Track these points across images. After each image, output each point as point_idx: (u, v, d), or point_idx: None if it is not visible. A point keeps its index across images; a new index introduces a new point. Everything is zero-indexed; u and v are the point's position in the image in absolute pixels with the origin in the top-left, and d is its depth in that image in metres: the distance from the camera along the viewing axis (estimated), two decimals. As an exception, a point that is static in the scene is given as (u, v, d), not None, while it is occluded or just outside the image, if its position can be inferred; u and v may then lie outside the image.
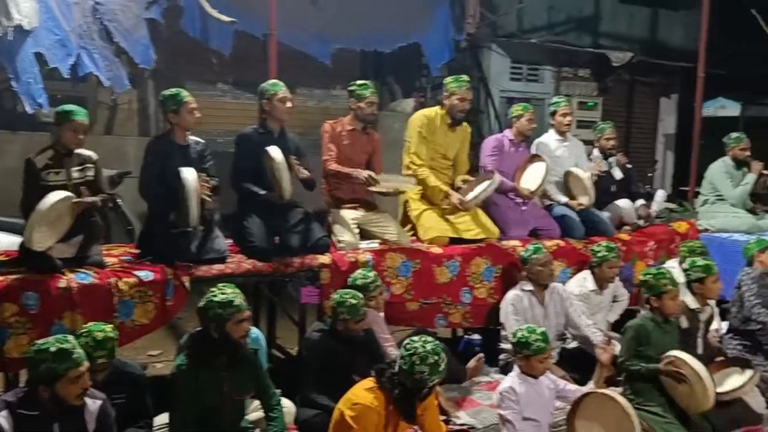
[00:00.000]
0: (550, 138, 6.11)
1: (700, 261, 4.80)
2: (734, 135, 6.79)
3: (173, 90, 4.55)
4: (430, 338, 3.44)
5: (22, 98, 6.92)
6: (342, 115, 5.41)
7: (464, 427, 4.28)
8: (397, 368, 3.39)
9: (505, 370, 4.61)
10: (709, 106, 10.02)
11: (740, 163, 6.71)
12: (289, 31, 7.44)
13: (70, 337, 3.17)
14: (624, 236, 6.07)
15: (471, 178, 5.59)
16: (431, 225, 5.37)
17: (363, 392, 3.40)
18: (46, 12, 6.84)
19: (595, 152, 6.49)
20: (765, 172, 6.80)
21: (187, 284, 4.34)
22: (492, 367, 5.04)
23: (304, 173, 4.80)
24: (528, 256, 5.03)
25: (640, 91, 11.83)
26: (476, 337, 5.75)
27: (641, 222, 6.38)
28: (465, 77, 5.65)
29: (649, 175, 11.37)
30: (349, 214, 5.24)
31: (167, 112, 4.54)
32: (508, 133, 5.89)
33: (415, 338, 3.42)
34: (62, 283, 4.00)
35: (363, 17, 8.65)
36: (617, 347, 4.81)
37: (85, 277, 4.10)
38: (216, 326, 3.53)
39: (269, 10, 6.44)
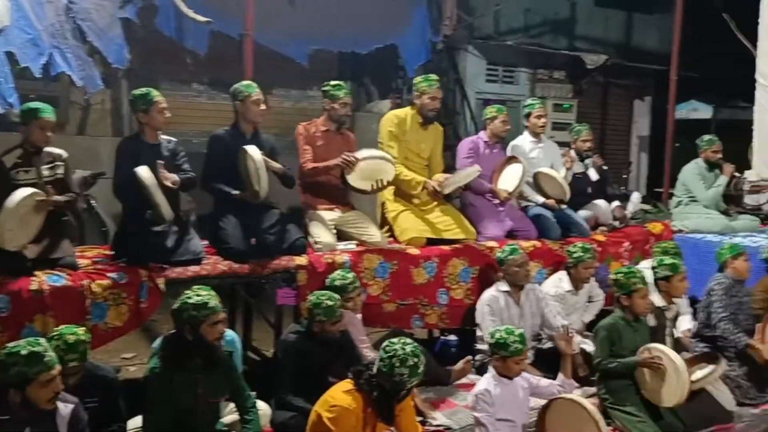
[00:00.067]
0: (524, 140, 6.14)
1: (666, 259, 4.89)
2: (707, 137, 6.88)
3: (143, 89, 4.51)
4: (409, 340, 3.44)
5: (-8, 98, 6.80)
6: (319, 116, 5.39)
7: (440, 428, 4.29)
8: (375, 370, 3.39)
9: (481, 371, 4.63)
10: (682, 108, 10.17)
11: (713, 165, 6.79)
12: (266, 31, 7.40)
13: (42, 340, 3.12)
14: (599, 237, 6.13)
15: (449, 175, 5.61)
16: (408, 226, 5.37)
17: (341, 394, 3.40)
18: (18, 11, 6.72)
19: (572, 154, 6.54)
20: (737, 174, 6.90)
21: (161, 286, 4.30)
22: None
23: (279, 166, 4.77)
24: (504, 257, 5.06)
25: (615, 93, 11.95)
26: (452, 338, 5.78)
27: (617, 223, 6.44)
28: (434, 76, 5.68)
29: (624, 176, 11.49)
30: (326, 215, 5.22)
31: (137, 112, 4.52)
32: (483, 135, 5.91)
33: (395, 340, 3.42)
34: (33, 285, 3.94)
35: (340, 18, 8.64)
36: (577, 338, 4.94)
37: (58, 279, 4.05)
38: (190, 328, 3.50)
39: (245, 11, 6.40)
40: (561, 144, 6.80)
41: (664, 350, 4.31)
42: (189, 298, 3.53)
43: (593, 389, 4.62)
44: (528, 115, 6.14)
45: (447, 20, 9.73)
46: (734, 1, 8.93)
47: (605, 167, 6.73)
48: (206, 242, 4.78)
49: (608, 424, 4.32)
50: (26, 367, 2.96)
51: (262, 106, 4.84)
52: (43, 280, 3.99)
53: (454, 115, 10.28)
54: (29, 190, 3.92)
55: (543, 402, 4.32)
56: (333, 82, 5.30)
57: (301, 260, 4.81)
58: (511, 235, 5.74)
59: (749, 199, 7.36)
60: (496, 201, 5.80)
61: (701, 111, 11.31)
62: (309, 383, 3.96)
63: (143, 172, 4.21)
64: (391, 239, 5.44)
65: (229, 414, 3.87)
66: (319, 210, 5.24)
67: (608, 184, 6.71)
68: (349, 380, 3.46)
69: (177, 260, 4.44)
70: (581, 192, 6.35)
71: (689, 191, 6.81)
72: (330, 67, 9.33)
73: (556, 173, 5.90)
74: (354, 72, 9.88)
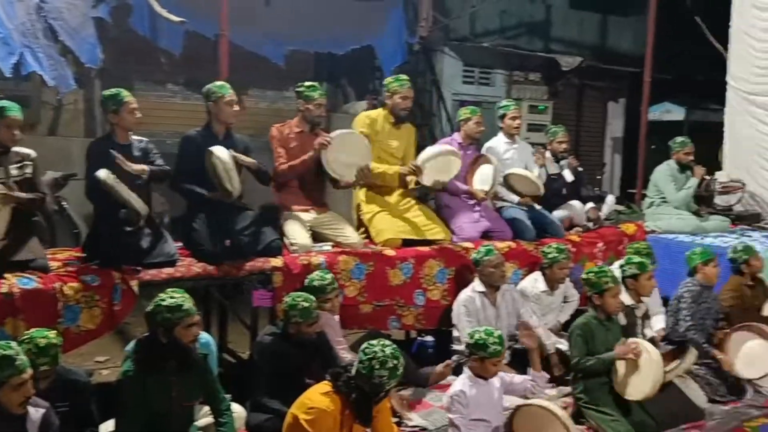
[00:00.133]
0: (499, 141, 6.17)
1: (634, 258, 4.97)
2: (679, 139, 6.96)
3: (113, 90, 4.47)
4: (388, 342, 3.45)
5: (-38, 97, 6.69)
6: (294, 118, 5.37)
7: (416, 429, 4.30)
8: (354, 372, 3.38)
9: (457, 371, 4.64)
10: (655, 110, 10.28)
11: (684, 167, 6.88)
12: (242, 31, 7.38)
13: (13, 344, 3.08)
14: (574, 238, 6.17)
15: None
16: (384, 227, 5.37)
17: (319, 396, 3.39)
18: (-13, 10, 6.65)
19: (547, 155, 6.59)
20: (707, 177, 6.98)
21: (135, 288, 4.26)
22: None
23: (252, 161, 4.75)
24: (480, 258, 5.08)
25: (589, 95, 12.06)
26: (429, 338, 5.79)
27: (591, 224, 6.49)
28: (404, 76, 5.71)
29: (598, 177, 11.59)
30: (302, 217, 5.21)
31: (107, 113, 4.47)
32: (457, 137, 5.93)
33: (374, 342, 3.42)
34: (4, 288, 3.88)
35: (316, 19, 8.63)
36: (553, 338, 5.06)
37: (28, 281, 3.99)
38: (164, 331, 3.47)
39: (220, 11, 6.37)
40: (537, 146, 6.85)
41: (641, 342, 4.41)
42: (162, 300, 3.50)
43: (568, 389, 4.66)
44: (503, 117, 6.16)
45: (423, 22, 9.76)
46: (706, 5, 9.06)
47: (580, 169, 6.79)
48: (180, 244, 4.74)
49: (582, 424, 4.38)
50: (-4, 371, 2.92)
51: (236, 107, 4.81)
52: (14, 282, 3.93)
53: (431, 117, 10.31)
54: None
55: (518, 402, 4.35)
56: (307, 83, 5.28)
57: (277, 262, 4.79)
58: (486, 236, 5.76)
59: (720, 200, 7.48)
60: (472, 202, 5.82)
61: (674, 113, 11.46)
62: (285, 385, 3.95)
63: (102, 174, 4.16)
64: (367, 240, 5.44)
65: (204, 417, 3.83)
66: (295, 211, 5.22)
67: (583, 186, 6.77)
68: (326, 382, 3.45)
69: (151, 262, 4.40)
70: (556, 193, 6.40)
71: (661, 192, 6.90)
72: (306, 68, 9.31)
73: (526, 171, 5.93)
74: (330, 73, 9.88)
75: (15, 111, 4.11)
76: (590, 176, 8.89)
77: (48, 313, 3.97)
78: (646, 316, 5.13)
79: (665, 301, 5.44)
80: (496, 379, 4.05)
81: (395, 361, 3.36)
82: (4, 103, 4.14)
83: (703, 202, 7.26)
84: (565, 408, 4.59)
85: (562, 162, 6.58)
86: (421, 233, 5.49)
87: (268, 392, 4.01)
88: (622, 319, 4.71)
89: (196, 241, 4.64)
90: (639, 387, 4.28)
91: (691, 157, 6.85)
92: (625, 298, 4.82)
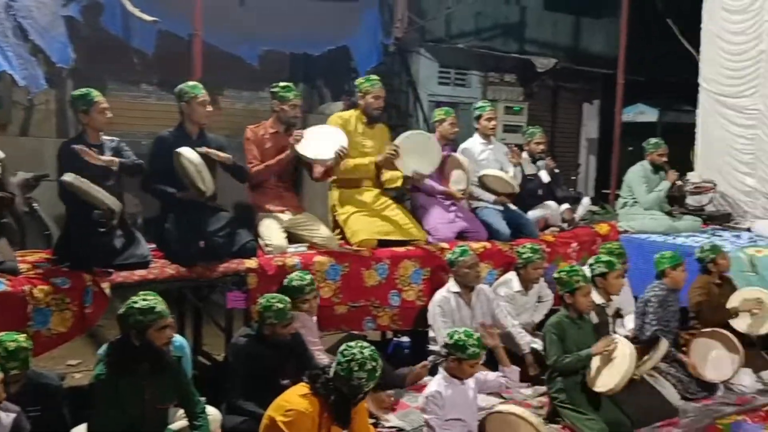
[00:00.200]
0: (474, 142, 6.19)
1: (603, 257, 5.03)
2: (653, 141, 7.04)
3: (83, 90, 4.43)
4: (366, 344, 3.44)
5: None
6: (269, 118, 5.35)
7: (393, 430, 4.29)
8: (332, 374, 3.37)
9: (433, 371, 4.65)
10: (628, 111, 10.38)
11: (658, 168, 6.96)
12: (216, 31, 7.32)
13: (-17, 348, 3.03)
14: (548, 238, 6.21)
15: None
16: (359, 228, 5.36)
17: (297, 398, 3.37)
18: (-45, 8, 6.53)
19: (524, 155, 6.63)
20: (679, 182, 7.05)
21: (107, 291, 4.22)
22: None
23: (227, 156, 4.72)
24: (455, 259, 5.09)
25: (564, 96, 12.15)
26: (405, 339, 5.80)
27: (565, 225, 6.54)
28: (375, 76, 5.74)
29: (573, 178, 11.69)
30: (277, 218, 5.18)
31: (77, 113, 4.43)
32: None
33: (353, 344, 3.41)
34: (-28, 291, 3.82)
35: (291, 19, 8.59)
36: (528, 338, 5.12)
37: (-3, 284, 3.93)
38: (137, 333, 3.43)
39: (194, 10, 6.32)
40: (512, 145, 6.88)
41: (618, 338, 4.49)
42: (135, 302, 3.46)
43: (544, 388, 4.69)
44: (478, 118, 6.19)
45: (398, 23, 9.76)
46: (678, 7, 9.18)
47: (557, 170, 6.84)
48: (153, 246, 4.69)
49: (558, 423, 4.41)
50: (-34, 376, 2.88)
51: (209, 108, 4.78)
52: (-18, 285, 3.87)
53: (407, 117, 10.31)
54: None
55: (494, 401, 4.38)
56: (282, 84, 5.26)
57: (251, 263, 4.77)
58: (461, 236, 5.78)
59: (692, 200, 7.58)
60: (447, 202, 5.84)
61: (647, 114, 11.58)
62: (260, 387, 3.93)
63: (68, 177, 4.12)
64: (342, 241, 5.42)
65: (179, 420, 3.80)
66: (270, 212, 5.20)
67: (558, 187, 6.81)
68: (304, 384, 3.44)
69: (123, 264, 4.36)
70: (532, 194, 6.44)
71: (634, 193, 6.97)
72: (281, 69, 9.27)
73: (501, 172, 5.96)
74: (306, 73, 9.84)
75: None
76: (565, 177, 8.99)
77: (17, 316, 3.91)
78: (618, 315, 5.19)
79: (637, 300, 5.50)
80: (471, 379, 4.06)
81: (374, 363, 3.36)
82: None
83: (675, 202, 7.36)
84: (541, 407, 4.64)
85: (539, 163, 6.62)
86: (397, 234, 5.49)
87: (243, 394, 3.99)
88: (594, 318, 4.75)
89: (170, 242, 4.60)
90: (608, 380, 4.33)
91: (665, 159, 6.93)
92: (595, 296, 4.87)
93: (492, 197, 6.04)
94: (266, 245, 5.00)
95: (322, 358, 4.51)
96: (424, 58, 10.49)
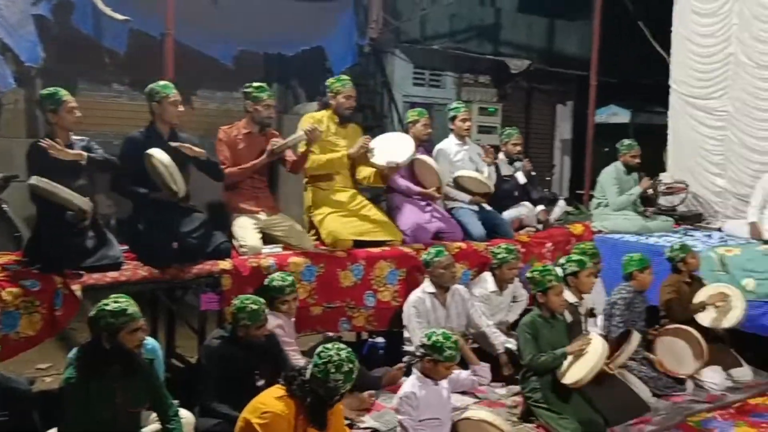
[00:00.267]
0: (450, 143, 6.21)
1: (574, 256, 5.09)
2: (626, 142, 7.11)
3: (51, 89, 4.37)
4: (343, 346, 3.43)
5: None
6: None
7: (368, 431, 4.28)
8: (308, 376, 3.36)
9: (408, 372, 4.65)
10: (601, 113, 10.48)
11: (631, 169, 7.04)
12: (189, 31, 7.25)
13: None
14: (523, 238, 6.25)
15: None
16: (335, 228, 5.34)
17: (272, 400, 3.35)
18: None
19: (501, 156, 6.67)
20: (650, 192, 7.11)
21: (78, 293, 4.15)
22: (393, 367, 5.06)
23: (201, 151, 4.69)
24: (430, 259, 5.10)
25: (538, 98, 12.23)
26: (380, 340, 5.79)
27: (540, 226, 6.58)
28: (345, 76, 5.77)
29: (547, 179, 11.77)
30: (252, 218, 5.15)
31: (46, 112, 4.37)
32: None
33: (329, 346, 3.40)
34: (-62, 294, 3.74)
35: (266, 19, 8.53)
36: (502, 338, 5.18)
37: (-36, 287, 3.85)
38: (108, 336, 3.39)
39: (166, 9, 6.25)
40: (486, 144, 6.91)
41: (592, 335, 4.55)
42: (106, 305, 3.42)
43: (518, 388, 4.71)
44: (453, 119, 6.21)
45: (373, 24, 9.76)
46: (649, 10, 9.28)
47: (533, 173, 6.88)
48: (125, 247, 4.63)
49: (532, 422, 4.43)
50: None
51: (180, 108, 4.73)
52: (-51, 288, 3.79)
53: (382, 118, 10.31)
54: None
55: (468, 401, 4.39)
56: (256, 84, 5.23)
57: (225, 264, 4.73)
58: (437, 236, 5.79)
59: (664, 201, 7.67)
60: (423, 203, 5.84)
61: (620, 115, 11.70)
62: (234, 389, 3.90)
63: (33, 180, 4.07)
64: (318, 242, 5.40)
65: (151, 423, 3.75)
66: (244, 213, 5.16)
67: (534, 188, 6.85)
68: (280, 386, 3.42)
69: (95, 266, 4.30)
70: (508, 195, 6.47)
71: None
72: (256, 69, 9.19)
73: (476, 173, 5.98)
74: (281, 74, 9.79)
75: None
76: (540, 178, 9.03)
77: (-15, 319, 3.84)
78: (591, 314, 5.24)
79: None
80: (445, 380, 4.07)
81: (350, 365, 3.35)
82: None
83: (648, 202, 7.45)
84: (515, 407, 4.66)
85: (516, 164, 6.67)
86: (372, 234, 5.48)
87: (217, 396, 3.96)
88: (568, 317, 4.80)
89: (143, 243, 4.56)
90: (576, 372, 4.38)
91: (638, 160, 7.01)
92: (568, 295, 4.92)
93: (467, 197, 6.06)
94: (241, 246, 4.97)
95: (298, 359, 4.49)
96: (399, 59, 10.49)
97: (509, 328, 5.49)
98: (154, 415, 3.72)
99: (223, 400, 3.93)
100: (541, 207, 6.72)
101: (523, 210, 6.50)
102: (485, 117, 10.93)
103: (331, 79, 5.72)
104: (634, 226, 6.84)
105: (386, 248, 5.48)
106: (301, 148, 5.20)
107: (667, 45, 8.25)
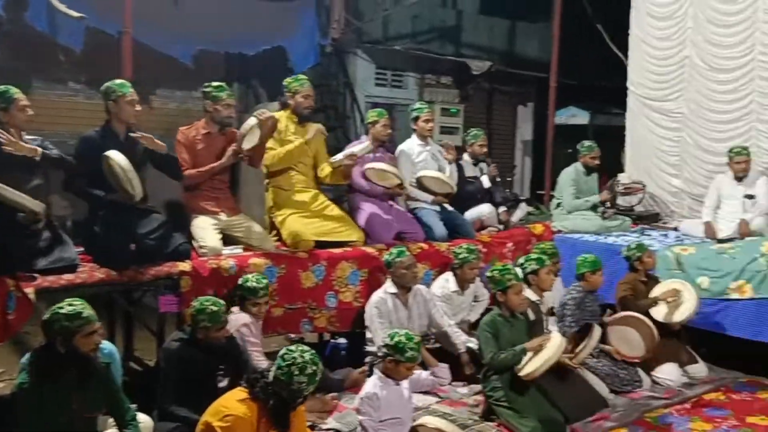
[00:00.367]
0: (412, 143, 6.22)
1: (533, 255, 5.18)
2: (587, 144, 7.21)
3: (2, 87, 4.27)
4: (307, 348, 3.41)
5: None
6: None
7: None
8: (271, 378, 3.32)
9: (370, 373, 4.64)
10: (561, 114, 10.60)
11: (591, 170, 7.13)
12: (147, 29, 7.13)
13: None
14: (484, 238, 6.29)
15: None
16: (296, 229, 5.31)
17: (234, 403, 3.31)
18: None
19: (465, 156, 6.71)
20: (608, 209, 7.20)
21: (31, 296, 4.05)
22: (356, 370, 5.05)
23: (161, 144, 4.63)
24: (392, 260, 5.10)
25: (499, 99, 12.33)
26: (342, 341, 5.77)
27: (501, 227, 6.64)
28: (303, 76, 5.73)
29: (509, 179, 11.88)
30: (212, 219, 5.09)
31: None
32: (364, 139, 5.93)
33: (293, 348, 3.38)
34: None
35: (226, 18, 8.45)
36: (463, 337, 5.20)
37: None
38: (63, 340, 3.31)
39: (124, 7, 6.15)
40: (445, 143, 6.95)
41: (552, 333, 4.63)
42: (61, 308, 3.35)
43: (479, 387, 4.74)
44: (416, 119, 6.22)
45: (335, 24, 9.73)
46: (607, 13, 9.42)
47: (498, 179, 6.93)
48: (82, 249, 4.54)
49: (493, 420, 4.46)
50: None
51: (137, 107, 4.65)
52: None
53: (345, 119, 10.29)
54: None
55: (431, 400, 4.40)
56: (215, 83, 5.17)
57: (185, 266, 4.67)
58: (399, 237, 5.80)
59: (622, 201, 7.79)
60: (385, 203, 5.84)
61: (579, 117, 11.85)
62: (193, 392, 3.85)
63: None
64: (279, 243, 5.37)
65: (109, 429, 3.68)
66: (204, 213, 5.10)
67: (498, 193, 6.88)
68: (242, 388, 3.38)
69: (49, 268, 4.20)
70: (471, 196, 6.51)
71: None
72: (217, 68, 9.11)
73: (438, 173, 6.00)
74: (242, 73, 9.71)
75: None
76: (501, 178, 9.12)
77: (-66, 324, 3.72)
78: (551, 313, 5.31)
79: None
80: (405, 380, 4.07)
81: (314, 367, 3.33)
82: None
83: (606, 202, 7.54)
84: (476, 405, 4.69)
85: (482, 165, 6.71)
86: (334, 235, 5.46)
87: (176, 400, 3.91)
88: (531, 315, 4.85)
89: (99, 245, 4.47)
90: (531, 365, 4.42)
91: (597, 162, 7.11)
92: (530, 294, 4.97)
93: (429, 198, 6.07)
94: (200, 247, 4.91)
95: (261, 361, 4.46)
96: (361, 59, 10.49)
97: (471, 328, 5.52)
98: (111, 420, 3.65)
99: (182, 403, 3.87)
100: (502, 208, 6.77)
101: (484, 210, 6.54)
102: (447, 118, 10.98)
103: (288, 79, 5.67)
104: (593, 225, 6.93)
105: (348, 249, 5.47)
106: (255, 135, 5.07)
107: (624, 48, 8.39)
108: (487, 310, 5.24)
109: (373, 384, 3.97)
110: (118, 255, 4.46)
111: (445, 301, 5.39)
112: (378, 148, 5.86)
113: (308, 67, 9.43)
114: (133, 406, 3.67)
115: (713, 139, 7.41)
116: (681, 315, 5.43)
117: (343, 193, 6.27)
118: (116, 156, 4.33)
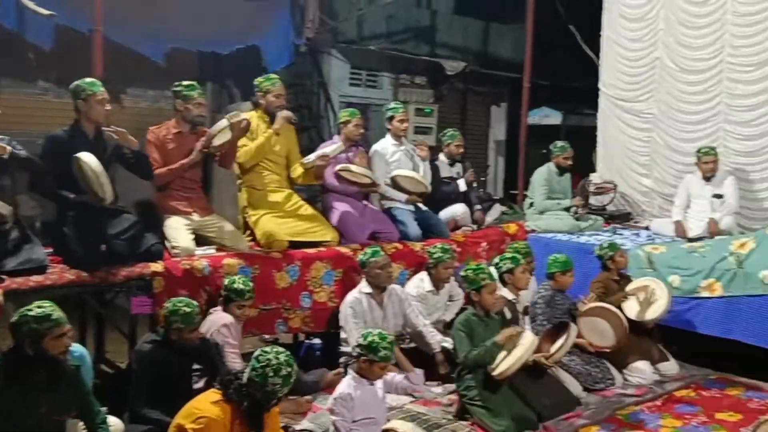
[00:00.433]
0: (386, 143, 6.22)
1: (507, 254, 5.22)
2: (560, 144, 7.27)
3: None
4: (282, 349, 3.39)
5: None
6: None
7: (304, 433, 4.25)
8: (245, 379, 3.30)
9: (345, 373, 4.63)
10: (534, 114, 10.67)
11: (563, 170, 7.20)
12: (118, 27, 7.03)
13: None
14: (459, 238, 6.31)
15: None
16: (270, 229, 5.28)
17: (208, 405, 3.28)
18: None
19: (441, 156, 6.72)
20: (580, 211, 7.27)
21: (-1, 298, 3.98)
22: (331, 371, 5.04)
23: (133, 141, 4.59)
24: (366, 260, 5.10)
25: (473, 99, 12.37)
26: (317, 341, 5.76)
27: (475, 227, 6.66)
28: (274, 75, 5.71)
29: (482, 179, 11.92)
30: (184, 219, 5.05)
31: None
32: (337, 139, 5.92)
33: (268, 349, 3.36)
34: None
35: (199, 17, 8.37)
36: (438, 337, 5.19)
37: None
38: (31, 342, 3.26)
39: (94, 5, 6.06)
40: (418, 142, 6.96)
41: (524, 330, 4.66)
42: (29, 310, 3.30)
43: (453, 386, 4.75)
44: (391, 119, 6.22)
45: (309, 23, 9.69)
46: (579, 14, 9.51)
47: (475, 185, 6.95)
48: (51, 250, 4.47)
49: (467, 419, 4.48)
50: None
51: (108, 106, 4.59)
52: None
53: (319, 119, 10.26)
54: None
55: (405, 400, 4.39)
56: (186, 82, 5.13)
57: (157, 267, 4.62)
58: (373, 237, 5.79)
59: (594, 200, 7.87)
60: (360, 203, 5.84)
61: (552, 117, 11.92)
62: (166, 394, 3.81)
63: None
64: (253, 243, 5.33)
65: (78, 432, 3.64)
66: (177, 214, 5.05)
67: (473, 196, 6.90)
68: (215, 390, 3.36)
69: (18, 269, 4.13)
70: (447, 197, 6.53)
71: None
72: (189, 67, 9.01)
73: (413, 173, 6.01)
74: (215, 73, 9.63)
75: None
76: (475, 177, 9.17)
77: None
78: (526, 312, 5.34)
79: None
80: (380, 381, 4.07)
81: (289, 369, 3.32)
82: None
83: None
84: (450, 405, 4.70)
85: (458, 166, 6.73)
86: (308, 235, 5.45)
87: (148, 402, 3.87)
88: (507, 313, 4.87)
89: (69, 246, 4.40)
90: (504, 364, 4.45)
91: (570, 162, 7.18)
92: (506, 293, 5.00)
93: (404, 197, 6.08)
94: (173, 247, 4.86)
95: (236, 362, 4.43)
96: (336, 59, 10.46)
97: (446, 327, 5.54)
98: (81, 423, 3.60)
99: (154, 405, 3.84)
100: (477, 207, 6.80)
101: (458, 210, 6.56)
102: (421, 118, 11.00)
103: (259, 78, 5.64)
104: (566, 225, 7.00)
105: (322, 249, 5.45)
106: (225, 136, 5.04)
107: (597, 49, 8.46)
108: (462, 310, 5.27)
109: (347, 384, 3.96)
110: (88, 257, 4.40)
111: (420, 300, 5.40)
112: (350, 148, 5.84)
113: (282, 66, 9.37)
114: (104, 409, 3.63)
115: (682, 140, 7.51)
116: (653, 313, 5.50)
117: (316, 192, 6.26)
118: (88, 158, 4.27)
